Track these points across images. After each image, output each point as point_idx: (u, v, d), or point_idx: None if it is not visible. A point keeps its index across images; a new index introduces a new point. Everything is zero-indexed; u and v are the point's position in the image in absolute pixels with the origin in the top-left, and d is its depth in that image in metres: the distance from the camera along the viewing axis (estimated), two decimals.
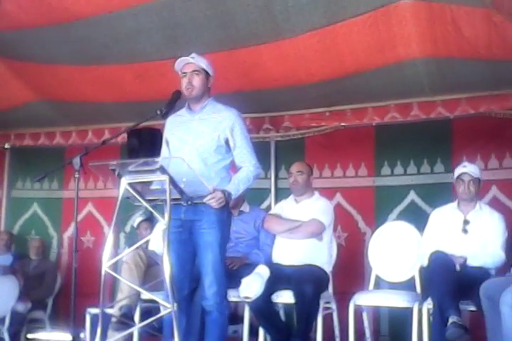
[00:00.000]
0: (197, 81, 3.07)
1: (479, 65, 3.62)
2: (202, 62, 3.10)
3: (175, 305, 2.70)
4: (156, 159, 2.80)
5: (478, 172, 3.68)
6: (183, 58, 3.09)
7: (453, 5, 3.08)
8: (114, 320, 3.72)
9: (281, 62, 3.89)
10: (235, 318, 4.02)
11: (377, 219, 4.59)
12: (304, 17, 3.38)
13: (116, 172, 2.83)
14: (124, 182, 2.81)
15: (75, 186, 3.09)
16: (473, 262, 3.45)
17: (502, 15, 3.03)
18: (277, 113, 4.78)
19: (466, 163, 3.76)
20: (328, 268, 3.88)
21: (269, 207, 4.84)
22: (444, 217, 3.72)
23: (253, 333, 3.80)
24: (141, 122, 3.35)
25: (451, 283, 3.19)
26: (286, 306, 3.86)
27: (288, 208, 4.05)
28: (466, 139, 4.46)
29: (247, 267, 3.79)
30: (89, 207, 5.60)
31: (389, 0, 3.13)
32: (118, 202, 2.83)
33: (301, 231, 3.85)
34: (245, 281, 3.58)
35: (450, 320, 3.05)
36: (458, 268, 3.38)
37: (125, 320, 3.61)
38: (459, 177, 3.67)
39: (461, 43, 3.35)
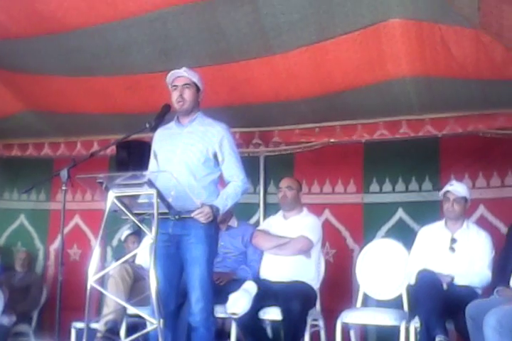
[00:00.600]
0: (188, 94, 3.08)
1: (468, 84, 3.65)
2: (193, 76, 3.11)
3: (161, 320, 2.68)
4: (144, 173, 2.79)
5: (464, 191, 3.68)
6: (175, 71, 3.10)
7: (442, 24, 3.12)
8: (99, 335, 3.67)
9: (271, 78, 3.90)
10: (222, 334, 3.98)
11: (365, 236, 4.59)
12: (295, 33, 3.40)
13: (104, 185, 2.81)
14: (112, 195, 2.80)
15: (62, 198, 3.07)
16: (460, 281, 3.45)
17: (490, 35, 3.06)
18: (267, 128, 4.79)
19: (453, 182, 3.79)
20: (315, 285, 3.86)
21: (257, 222, 4.83)
22: (432, 235, 3.73)
23: None
24: (130, 135, 3.35)
25: (438, 302, 3.18)
26: (274, 323, 3.83)
27: (276, 224, 4.04)
28: (454, 158, 4.49)
29: (235, 283, 3.77)
30: (77, 219, 5.56)
31: (378, 18, 3.16)
32: (105, 216, 2.81)
33: (289, 248, 3.84)
34: (232, 297, 3.55)
35: (437, 339, 3.05)
36: (445, 286, 3.38)
37: (110, 335, 3.56)
38: (444, 195, 3.69)
39: (450, 62, 3.38)
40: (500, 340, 2.35)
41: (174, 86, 3.10)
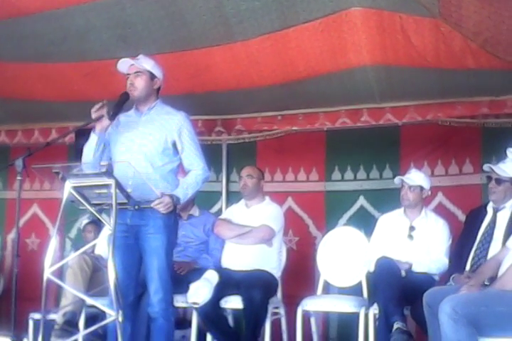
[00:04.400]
0: (139, 82, 3.06)
1: (427, 73, 3.68)
2: (146, 63, 3.08)
3: (119, 312, 2.65)
4: (102, 163, 2.74)
5: (420, 180, 3.71)
6: (123, 60, 3.08)
7: (402, 13, 3.12)
8: (56, 327, 3.62)
9: (233, 65, 3.86)
10: (183, 323, 3.98)
11: (327, 224, 4.63)
12: (257, 21, 3.36)
13: (60, 176, 2.75)
14: (68, 185, 2.74)
15: (17, 189, 2.99)
16: (418, 268, 3.52)
17: (449, 25, 3.08)
18: (229, 116, 4.77)
19: (412, 170, 3.84)
20: (277, 274, 3.88)
21: (220, 210, 4.83)
22: (391, 223, 3.78)
23: (201, 338, 3.76)
24: (88, 123, 3.27)
25: (397, 289, 3.23)
26: (235, 311, 3.83)
27: (238, 213, 4.03)
28: (413, 146, 4.55)
29: (196, 272, 3.76)
30: (35, 208, 5.46)
31: (340, 7, 3.14)
32: (61, 206, 2.75)
33: (251, 237, 3.84)
34: (193, 287, 3.54)
35: (395, 326, 3.09)
36: (403, 274, 3.44)
37: (68, 327, 3.52)
38: (402, 182, 3.74)
39: (410, 51, 3.40)
40: (455, 327, 2.39)
41: (127, 74, 3.08)
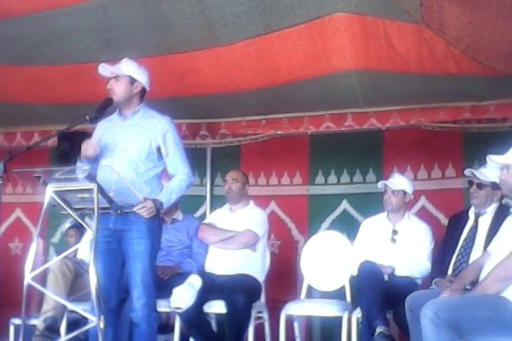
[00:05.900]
0: (118, 87, 3.04)
1: (410, 78, 3.71)
2: (125, 68, 3.06)
3: (101, 317, 2.63)
4: (84, 167, 2.71)
5: (403, 184, 3.74)
6: (102, 65, 3.06)
7: (386, 19, 3.15)
8: (37, 332, 3.58)
9: (217, 69, 3.86)
10: (166, 328, 3.96)
11: (310, 228, 4.65)
12: (241, 25, 3.36)
13: (41, 180, 2.72)
14: (50, 190, 2.71)
15: None
16: (400, 272, 3.54)
17: (432, 31, 3.11)
18: (214, 119, 4.76)
19: (396, 174, 3.86)
20: (260, 278, 3.88)
21: (204, 215, 4.82)
22: (374, 227, 3.80)
23: None
24: (70, 127, 3.25)
25: (379, 293, 3.24)
26: (218, 316, 3.82)
27: (222, 217, 4.03)
28: (397, 150, 4.59)
29: (179, 276, 3.74)
30: (18, 213, 5.41)
31: (323, 12, 3.16)
32: (43, 211, 2.73)
33: (235, 242, 3.84)
34: (177, 291, 3.52)
35: (377, 330, 3.11)
36: (386, 278, 3.46)
37: (49, 333, 3.48)
38: (384, 187, 3.76)
39: (393, 57, 3.42)
40: (437, 332, 2.40)
41: (109, 78, 3.07)
